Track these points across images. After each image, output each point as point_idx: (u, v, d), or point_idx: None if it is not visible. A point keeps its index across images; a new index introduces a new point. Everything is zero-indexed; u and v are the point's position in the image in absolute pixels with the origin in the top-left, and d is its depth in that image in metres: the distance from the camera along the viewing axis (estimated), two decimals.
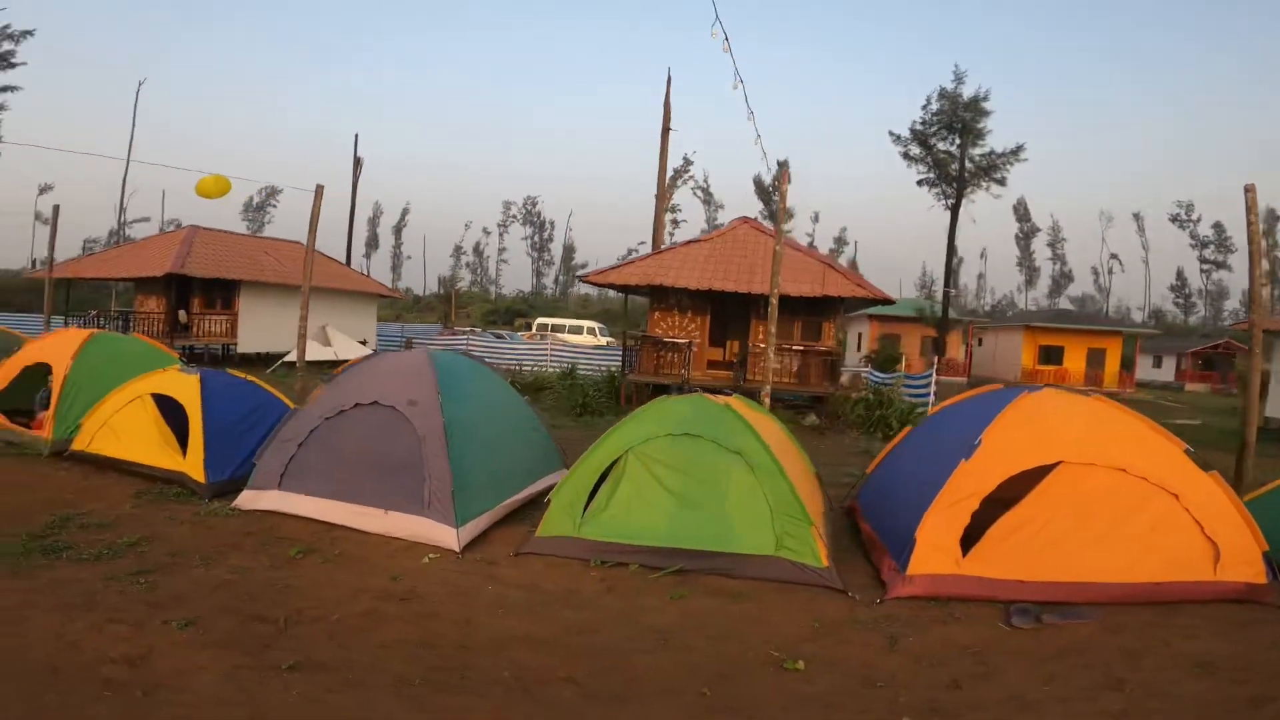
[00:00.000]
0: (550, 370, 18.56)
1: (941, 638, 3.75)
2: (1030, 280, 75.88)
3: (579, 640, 3.67)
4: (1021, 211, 74.68)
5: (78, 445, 7.10)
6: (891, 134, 20.09)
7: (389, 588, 4.32)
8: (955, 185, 19.76)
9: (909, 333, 32.58)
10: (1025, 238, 75.16)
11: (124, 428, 6.96)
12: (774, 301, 7.89)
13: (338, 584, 4.33)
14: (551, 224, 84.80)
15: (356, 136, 32.02)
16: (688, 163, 71.02)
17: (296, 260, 20.24)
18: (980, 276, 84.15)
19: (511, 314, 49.33)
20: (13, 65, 41.44)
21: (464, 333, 28.61)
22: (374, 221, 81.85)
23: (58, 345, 8.34)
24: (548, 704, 3.01)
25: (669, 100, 20.70)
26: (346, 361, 6.86)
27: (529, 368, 19.38)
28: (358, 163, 31.10)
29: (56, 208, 12.55)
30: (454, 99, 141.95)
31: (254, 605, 3.90)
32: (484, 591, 4.34)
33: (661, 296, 14.85)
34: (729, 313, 14.63)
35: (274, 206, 72.75)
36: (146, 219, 54.81)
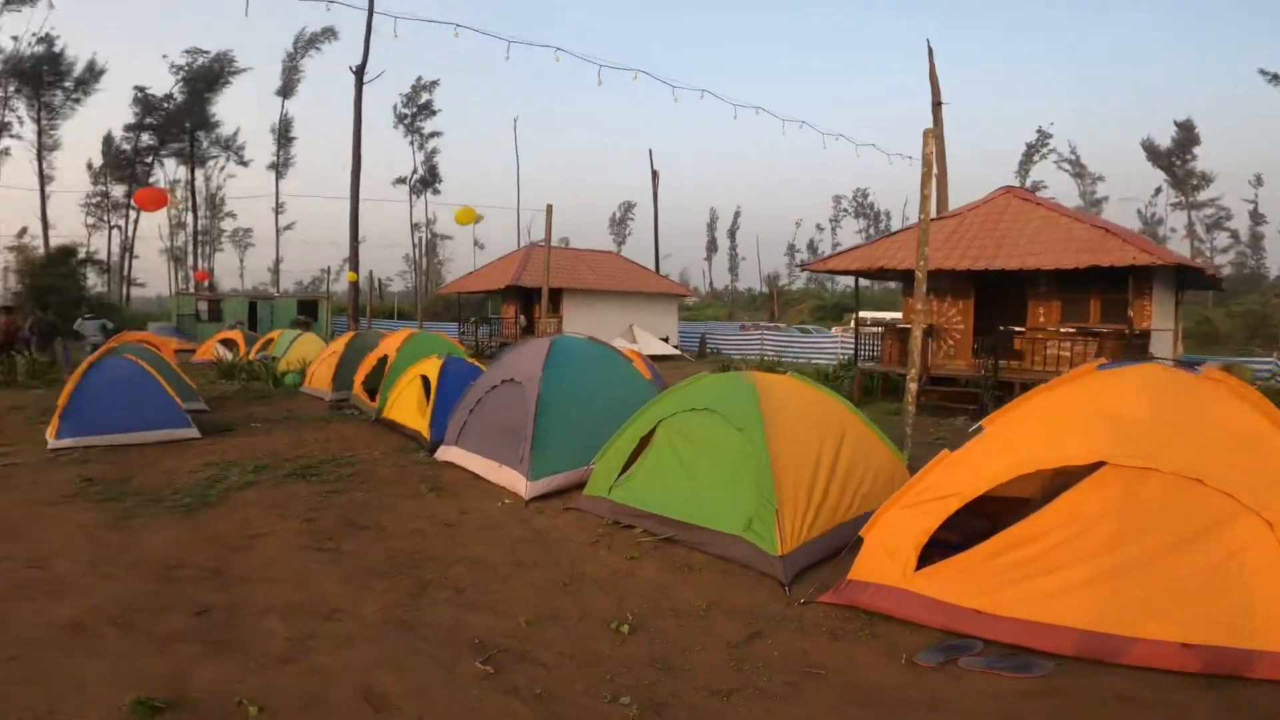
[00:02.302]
0: (822, 362, 18.46)
1: (801, 650, 3.38)
2: None
3: (511, 570, 4.49)
4: None
5: (384, 413, 10.24)
6: (1263, 72, 14.44)
7: (451, 518, 5.67)
8: None
9: None
10: None
11: (403, 400, 9.83)
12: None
13: (425, 512, 5.84)
14: (886, 214, 79.67)
15: (651, 152, 36.02)
16: (1044, 135, 60.09)
17: (607, 268, 23.84)
18: None
19: (840, 309, 48.10)
20: (434, 113, 56.26)
21: (767, 328, 29.68)
22: (711, 226, 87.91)
23: (392, 341, 11.96)
24: (419, 594, 3.97)
25: (934, 74, 18.57)
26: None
27: (794, 360, 19.54)
28: (655, 176, 34.64)
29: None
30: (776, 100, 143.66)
31: (361, 518, 5.61)
32: (503, 528, 5.40)
33: (914, 282, 13.71)
34: (1003, 295, 12.77)
35: (632, 220, 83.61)
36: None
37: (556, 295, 23.23)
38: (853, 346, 20.17)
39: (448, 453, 7.81)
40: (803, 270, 17.36)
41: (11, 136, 47.17)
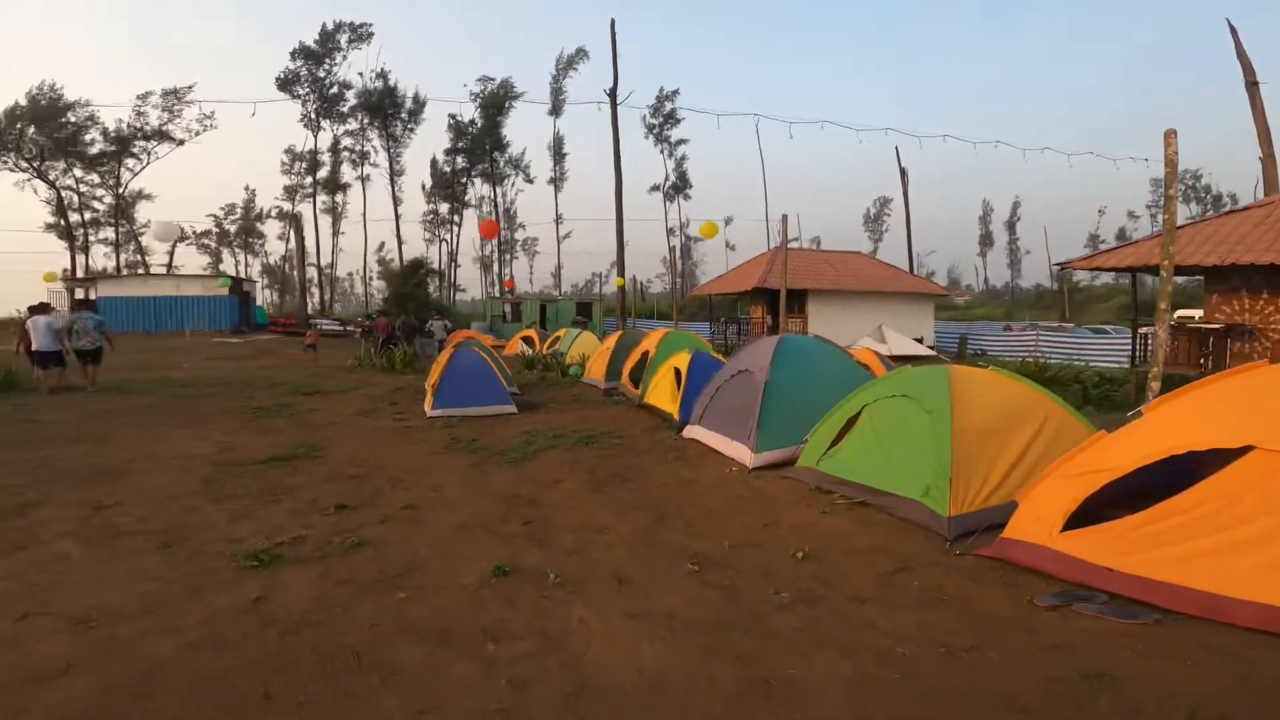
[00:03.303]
0: (1108, 365, 16.87)
1: (938, 584, 4.18)
2: None
3: (728, 514, 5.87)
4: None
5: (644, 399, 12.33)
6: None
7: (689, 478, 7.26)
8: None
9: None
10: None
11: (659, 388, 11.80)
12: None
13: (671, 473, 7.50)
14: (1232, 197, 63.66)
15: (897, 149, 34.64)
16: None
17: (854, 269, 23.91)
18: None
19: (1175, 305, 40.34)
20: (678, 121, 59.24)
21: (1047, 328, 27.08)
22: (985, 219, 79.38)
23: (652, 339, 14.11)
24: (659, 523, 5.54)
25: (1243, 52, 15.48)
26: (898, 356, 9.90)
27: (1068, 362, 17.94)
28: (904, 173, 32.95)
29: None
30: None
31: (625, 474, 7.44)
32: (728, 486, 6.82)
33: (1220, 278, 12.16)
34: None
35: (889, 215, 79.19)
36: (797, 238, 69.41)
37: (801, 296, 23.99)
38: (1130, 348, 18.11)
39: (692, 430, 9.47)
40: (1061, 269, 15.78)
41: (370, 165, 60.99)
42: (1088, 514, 4.39)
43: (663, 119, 62.99)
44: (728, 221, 73.46)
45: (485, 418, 10.84)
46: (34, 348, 12.68)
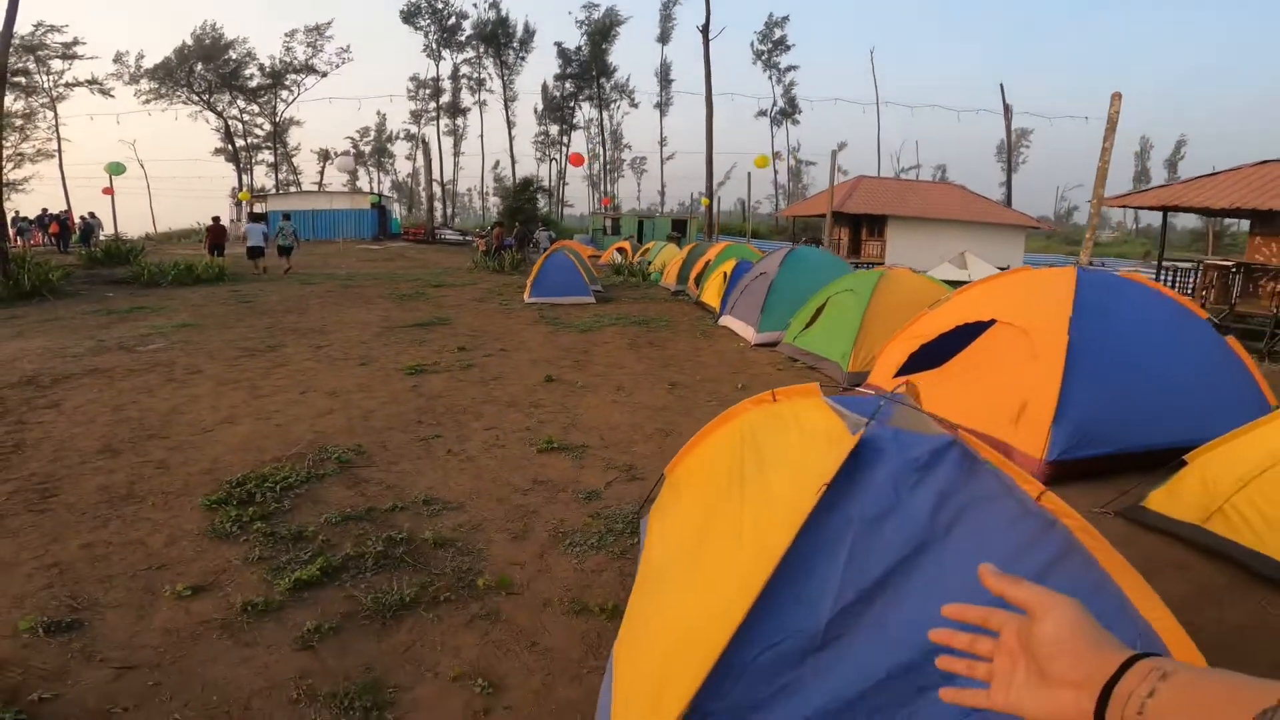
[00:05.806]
0: None
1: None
2: None
3: (716, 367, 8.54)
4: None
5: (700, 298, 14.87)
6: None
7: (702, 346, 9.93)
8: None
9: None
10: None
11: (710, 288, 14.29)
12: None
13: (692, 344, 10.15)
14: None
15: (1002, 86, 33.54)
16: None
17: (940, 199, 24.68)
18: None
19: None
20: (788, 48, 57.47)
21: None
22: (1141, 156, 72.37)
23: (714, 250, 16.47)
24: (663, 367, 8.30)
25: None
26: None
27: None
28: (1007, 110, 32.17)
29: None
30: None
31: (658, 343, 10.20)
32: (728, 354, 9.44)
33: (1264, 221, 12.85)
34: None
35: (1027, 146, 74.46)
36: (917, 166, 66.66)
37: (881, 221, 25.20)
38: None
39: (724, 320, 12.05)
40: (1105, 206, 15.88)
41: (486, 91, 64.16)
42: (917, 364, 6.69)
43: (771, 44, 61.80)
44: (841, 146, 72.02)
45: (569, 305, 13.88)
46: (248, 244, 18.05)
